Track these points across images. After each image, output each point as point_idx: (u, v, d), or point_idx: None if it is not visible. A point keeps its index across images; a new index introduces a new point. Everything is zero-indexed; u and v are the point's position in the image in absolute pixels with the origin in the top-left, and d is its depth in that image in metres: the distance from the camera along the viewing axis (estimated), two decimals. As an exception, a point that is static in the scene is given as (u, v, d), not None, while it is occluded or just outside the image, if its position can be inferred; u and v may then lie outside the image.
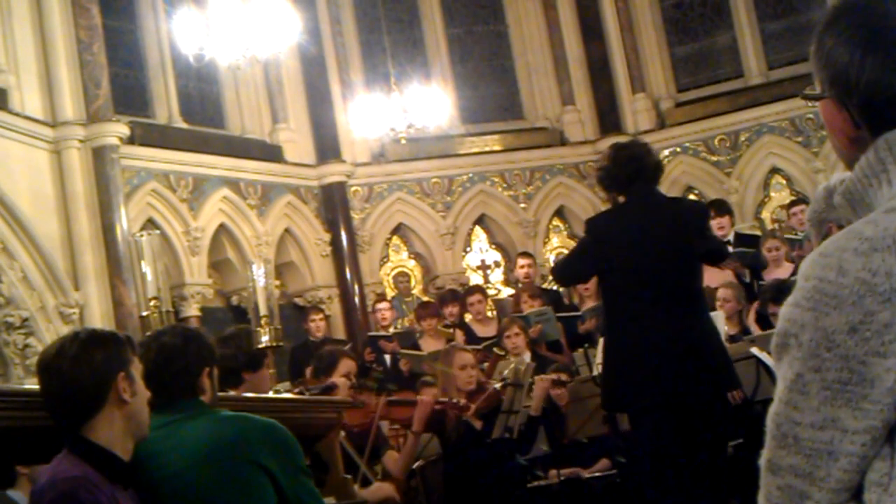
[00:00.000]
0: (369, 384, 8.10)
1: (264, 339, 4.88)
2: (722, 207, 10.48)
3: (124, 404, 2.79)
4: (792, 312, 1.41)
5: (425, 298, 12.53)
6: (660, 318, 5.21)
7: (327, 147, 12.87)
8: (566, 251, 12.09)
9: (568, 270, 5.89)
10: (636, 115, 13.95)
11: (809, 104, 12.89)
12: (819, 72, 1.52)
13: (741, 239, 10.12)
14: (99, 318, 9.92)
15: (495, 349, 8.94)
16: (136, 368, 2.87)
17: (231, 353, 5.01)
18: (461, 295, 11.00)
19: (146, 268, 4.75)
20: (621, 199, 5.57)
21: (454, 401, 6.84)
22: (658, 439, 5.26)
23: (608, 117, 13.90)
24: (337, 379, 6.04)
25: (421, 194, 13.50)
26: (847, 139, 1.50)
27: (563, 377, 7.75)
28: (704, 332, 5.32)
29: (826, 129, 1.56)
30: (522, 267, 11.10)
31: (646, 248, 5.29)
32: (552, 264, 7.08)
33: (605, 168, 5.62)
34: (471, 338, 9.84)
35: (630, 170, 5.44)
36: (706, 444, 5.31)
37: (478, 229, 13.89)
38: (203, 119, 12.23)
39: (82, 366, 2.74)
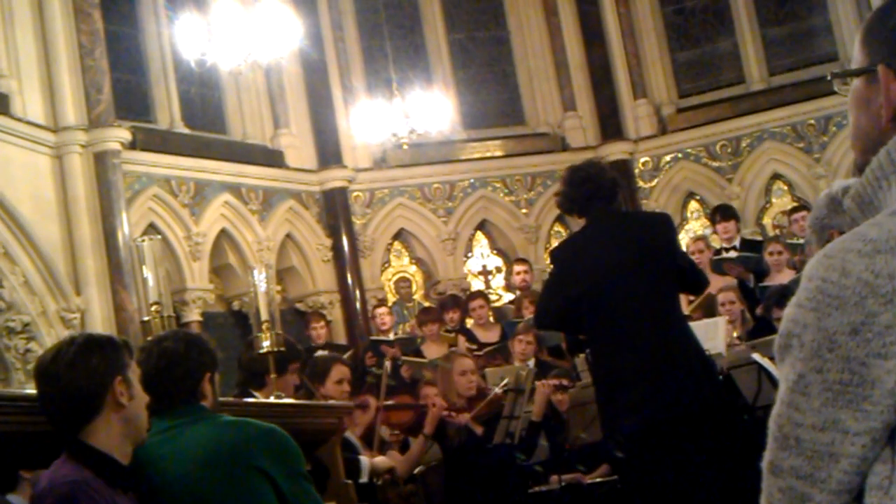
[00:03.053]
0: (369, 380, 8.14)
1: (265, 345, 4.87)
2: (727, 212, 10.49)
3: (122, 408, 2.79)
4: (795, 312, 1.42)
5: (426, 304, 12.52)
6: (637, 340, 5.15)
7: (329, 152, 12.88)
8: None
9: (543, 313, 5.69)
10: (637, 120, 13.95)
11: (814, 108, 12.93)
12: (878, 44, 1.51)
13: (746, 244, 10.13)
14: (100, 322, 9.91)
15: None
16: (134, 372, 2.87)
17: (257, 356, 5.08)
18: (463, 300, 10.99)
19: (147, 273, 4.73)
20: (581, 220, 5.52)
21: (453, 408, 6.86)
22: (650, 465, 5.24)
23: (609, 123, 13.90)
24: (370, 399, 6.16)
25: (422, 199, 13.50)
26: (893, 111, 1.48)
27: (565, 382, 7.74)
28: (684, 350, 5.24)
29: (858, 111, 1.54)
30: (519, 273, 11.10)
31: (612, 271, 5.22)
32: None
33: (561, 192, 5.54)
34: (473, 343, 9.84)
35: (586, 190, 5.39)
36: (710, 462, 5.27)
37: (479, 235, 13.88)
38: (205, 124, 12.23)
39: (79, 370, 2.74)
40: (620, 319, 5.20)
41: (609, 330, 5.26)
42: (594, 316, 5.31)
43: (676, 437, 5.17)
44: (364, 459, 5.71)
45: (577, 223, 5.88)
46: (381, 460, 5.95)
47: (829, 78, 1.62)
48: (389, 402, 6.68)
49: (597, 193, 5.38)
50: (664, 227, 5.60)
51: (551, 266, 5.80)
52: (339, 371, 6.01)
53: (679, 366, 5.15)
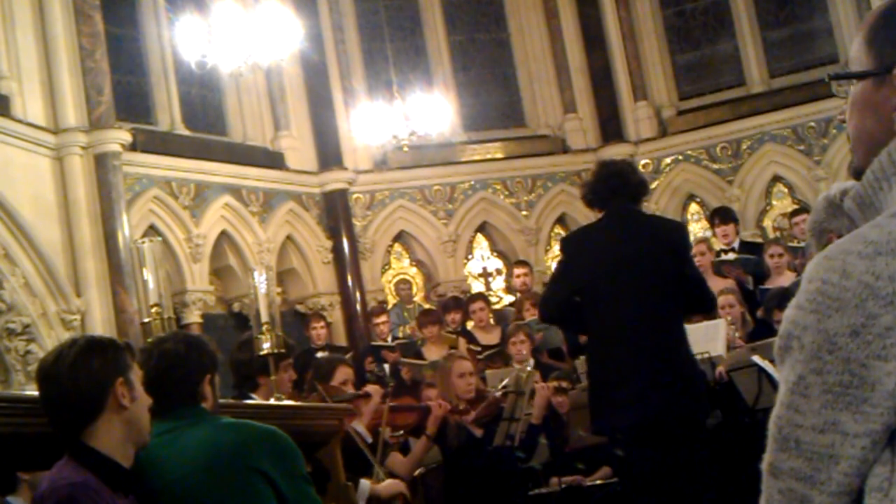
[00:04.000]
0: (370, 379, 8.14)
1: (266, 346, 4.86)
2: (727, 215, 10.47)
3: (123, 410, 2.78)
4: (795, 314, 1.41)
5: (427, 306, 12.51)
6: (634, 340, 5.16)
7: (329, 154, 12.88)
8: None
9: (546, 305, 5.65)
10: (638, 123, 13.95)
11: (814, 111, 12.93)
12: (891, 45, 1.48)
13: (745, 246, 10.12)
14: (100, 324, 9.91)
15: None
16: (135, 374, 2.86)
17: (247, 359, 5.03)
18: (463, 302, 10.98)
19: (148, 274, 4.72)
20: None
21: (456, 409, 6.85)
22: (641, 465, 5.24)
23: (610, 125, 13.91)
24: (371, 388, 6.07)
25: (423, 202, 13.50)
26: None
27: (565, 384, 7.74)
28: (679, 357, 5.24)
29: (863, 113, 1.52)
30: (519, 276, 11.09)
31: (620, 267, 5.24)
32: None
33: (588, 184, 5.64)
34: (474, 345, 9.82)
35: (612, 185, 5.42)
36: (691, 468, 5.28)
37: (479, 237, 13.88)
38: (205, 126, 12.24)
39: (80, 372, 2.73)
40: (618, 315, 5.21)
41: (606, 324, 5.27)
42: (594, 309, 5.32)
43: (670, 436, 5.18)
44: (364, 483, 5.31)
45: (584, 223, 5.92)
46: (387, 486, 5.46)
47: (827, 79, 1.60)
48: (394, 404, 6.66)
49: (621, 189, 5.41)
50: (678, 235, 5.59)
51: (561, 253, 5.84)
52: (344, 372, 5.99)
53: (668, 370, 5.16)
